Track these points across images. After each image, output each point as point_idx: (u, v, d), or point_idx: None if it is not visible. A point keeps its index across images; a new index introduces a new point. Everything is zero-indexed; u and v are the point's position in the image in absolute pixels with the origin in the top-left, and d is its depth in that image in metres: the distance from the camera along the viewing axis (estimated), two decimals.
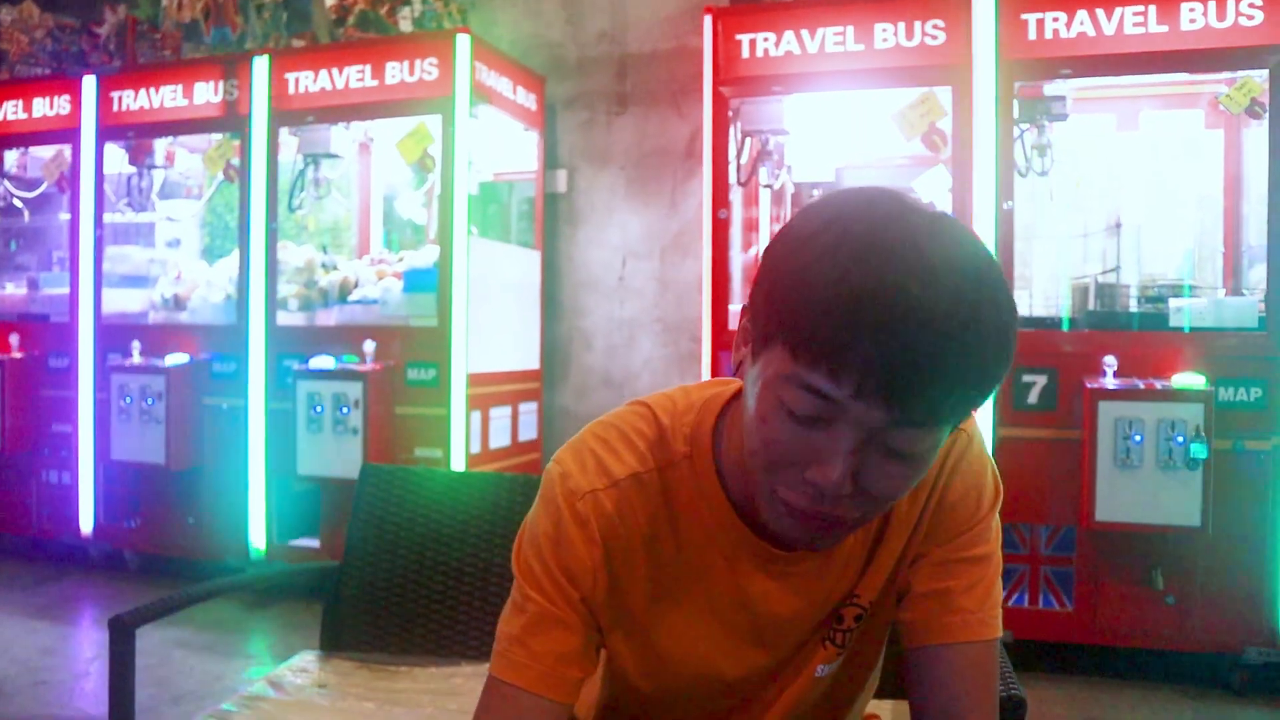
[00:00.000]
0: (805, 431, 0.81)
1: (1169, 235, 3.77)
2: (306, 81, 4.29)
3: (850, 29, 3.51)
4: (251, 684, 1.87)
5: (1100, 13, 3.27)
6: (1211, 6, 3.19)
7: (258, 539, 4.29)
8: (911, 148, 3.65)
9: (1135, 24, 3.26)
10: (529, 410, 4.70)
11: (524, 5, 5.09)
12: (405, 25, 4.57)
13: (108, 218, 4.84)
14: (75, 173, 4.77)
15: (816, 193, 4.22)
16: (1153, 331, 3.31)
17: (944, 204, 3.40)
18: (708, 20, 3.67)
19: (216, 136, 4.58)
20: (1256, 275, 3.55)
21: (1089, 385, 3.19)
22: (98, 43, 5.18)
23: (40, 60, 5.24)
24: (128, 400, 4.37)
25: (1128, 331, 3.34)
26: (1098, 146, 3.88)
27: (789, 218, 0.88)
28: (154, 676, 3.24)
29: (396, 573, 2.02)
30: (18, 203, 5.18)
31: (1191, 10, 3.21)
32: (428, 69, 4.10)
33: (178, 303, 4.70)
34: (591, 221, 4.98)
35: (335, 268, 4.54)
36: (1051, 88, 3.47)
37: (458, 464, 3.99)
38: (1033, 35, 3.34)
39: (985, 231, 3.34)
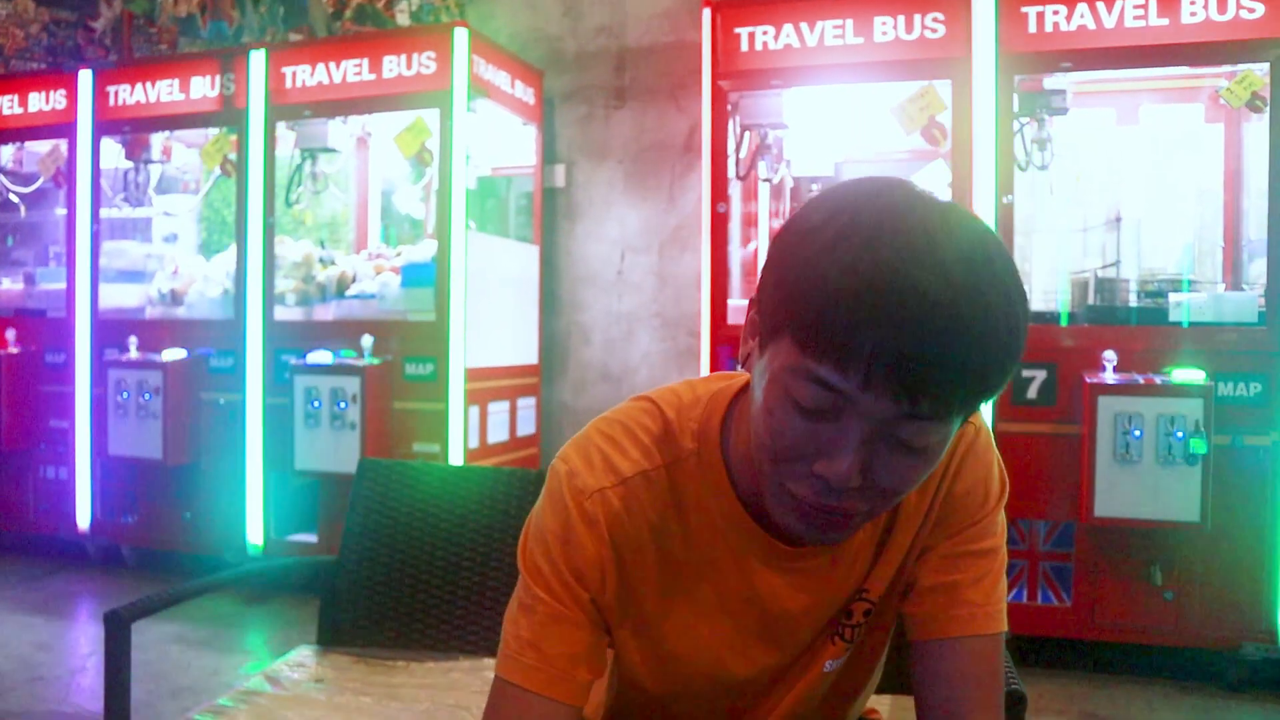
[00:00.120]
0: (813, 424, 0.80)
1: (1169, 230, 3.76)
2: (303, 75, 4.27)
3: (849, 22, 3.50)
4: (248, 679, 1.86)
5: (1100, 6, 3.26)
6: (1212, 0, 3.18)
7: (255, 534, 4.29)
8: (911, 142, 3.64)
9: (1136, 17, 3.25)
10: (527, 405, 4.69)
11: None
12: (402, 19, 4.57)
13: (104, 213, 4.82)
14: (71, 167, 4.76)
15: (816, 187, 4.22)
16: (1152, 326, 3.30)
17: (943, 198, 3.38)
18: (706, 14, 3.66)
19: (213, 131, 4.56)
20: (1256, 270, 3.55)
21: (1088, 380, 3.18)
22: (94, 37, 5.17)
23: (36, 55, 5.23)
24: (125, 395, 4.36)
25: (1127, 326, 3.34)
26: (1098, 140, 3.87)
27: (796, 209, 0.86)
28: (151, 671, 3.23)
29: (394, 567, 2.02)
30: (14, 198, 5.17)
31: (1192, 3, 3.20)
32: (425, 63, 4.08)
33: (175, 298, 4.68)
34: (590, 216, 4.97)
35: (333, 262, 4.53)
36: (1051, 81, 3.46)
37: (456, 459, 3.98)
38: (1033, 28, 3.33)
39: None
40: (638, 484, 0.96)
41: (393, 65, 4.13)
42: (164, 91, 4.55)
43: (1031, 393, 3.32)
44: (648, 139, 4.87)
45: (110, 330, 4.63)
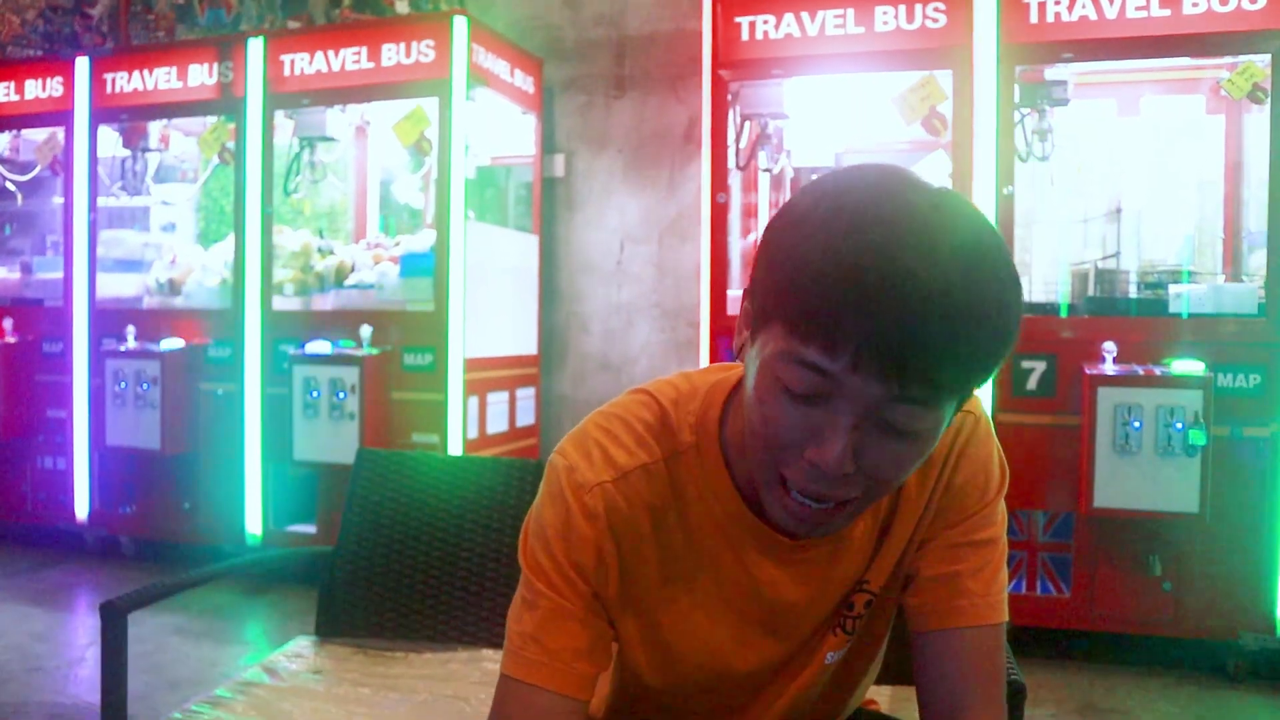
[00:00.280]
0: (804, 410, 0.80)
1: (1169, 221, 3.76)
2: (302, 63, 4.25)
3: (850, 11, 3.49)
4: (246, 670, 1.86)
5: None
6: None
7: (254, 525, 4.28)
8: (912, 132, 3.62)
9: (1137, 8, 3.24)
10: (526, 395, 4.69)
11: None
12: (401, 7, 4.55)
13: (102, 201, 4.81)
14: (69, 156, 4.73)
15: (816, 178, 4.20)
16: (1152, 317, 3.30)
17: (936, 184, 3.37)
18: (707, 2, 3.64)
19: (211, 119, 4.55)
20: (1256, 261, 3.54)
21: (1088, 371, 3.18)
22: (90, 24, 5.14)
23: (32, 41, 5.20)
24: (122, 385, 4.35)
25: (1127, 317, 3.33)
26: (1099, 131, 3.87)
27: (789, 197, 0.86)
28: (150, 663, 3.23)
29: (392, 558, 2.01)
30: (11, 186, 5.15)
31: None
32: (424, 51, 4.07)
33: (173, 287, 4.67)
34: (589, 206, 4.96)
35: (331, 252, 4.52)
36: (1053, 72, 3.45)
37: (455, 449, 3.98)
38: (1034, 18, 3.32)
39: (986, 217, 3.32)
40: (637, 478, 0.96)
41: (391, 53, 4.11)
42: (161, 79, 4.52)
43: (1031, 384, 3.31)
44: (647, 128, 4.85)
45: (108, 320, 4.62)
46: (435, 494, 2.02)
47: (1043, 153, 3.53)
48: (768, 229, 0.84)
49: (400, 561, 2.01)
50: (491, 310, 4.32)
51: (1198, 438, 3.03)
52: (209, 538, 4.39)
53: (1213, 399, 3.06)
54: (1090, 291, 3.49)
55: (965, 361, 0.77)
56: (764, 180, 4.37)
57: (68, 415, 4.69)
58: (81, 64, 4.68)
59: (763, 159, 3.86)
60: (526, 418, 4.68)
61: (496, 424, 4.36)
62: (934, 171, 3.72)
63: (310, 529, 4.23)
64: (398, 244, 4.47)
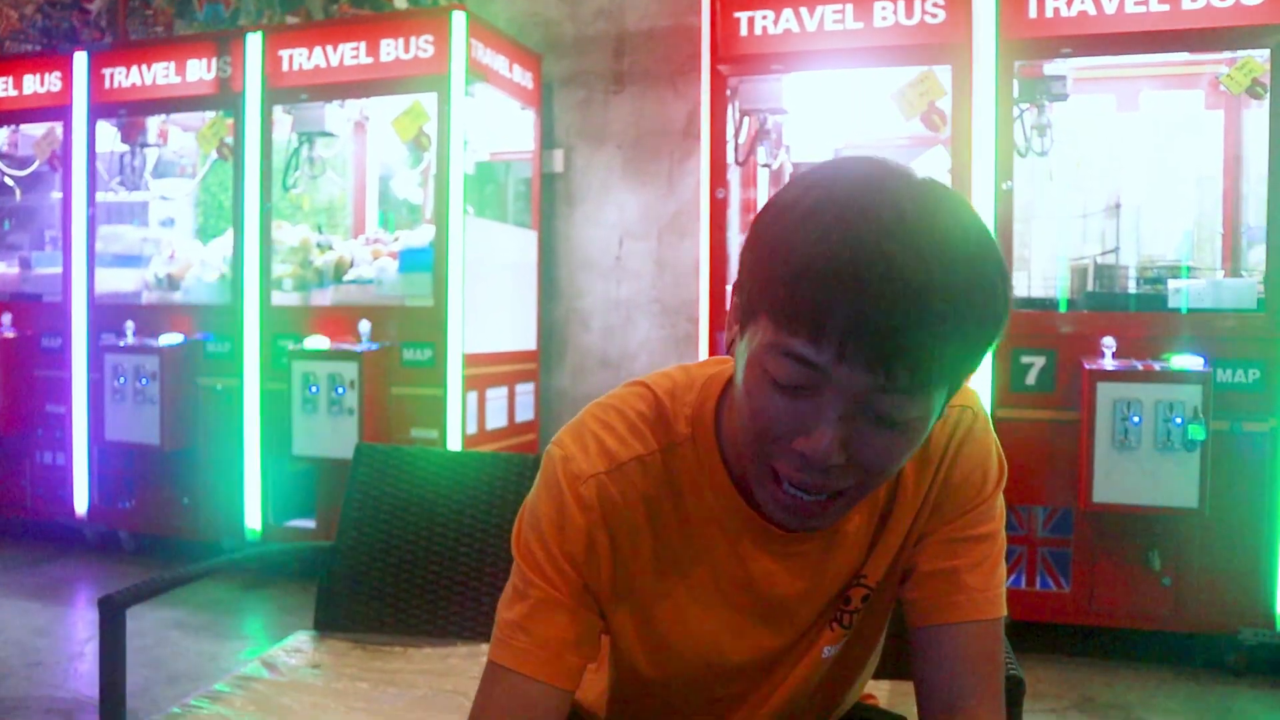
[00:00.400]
0: (792, 402, 0.80)
1: (1168, 216, 3.75)
2: (300, 59, 4.24)
3: (849, 7, 3.48)
4: (246, 664, 1.86)
5: None
6: None
7: (253, 520, 4.28)
8: (911, 127, 3.62)
9: (1136, 2, 3.23)
10: (526, 391, 4.68)
11: None
12: (400, 2, 4.54)
13: (101, 196, 4.80)
14: (67, 151, 4.73)
15: (801, 171, 4.19)
16: (1151, 313, 3.30)
17: (922, 176, 3.37)
18: None
19: (210, 114, 4.54)
20: (1255, 256, 3.54)
21: (1087, 366, 3.18)
22: (89, 19, 5.13)
23: (30, 36, 5.19)
24: (121, 380, 4.35)
25: (1126, 312, 3.33)
26: (1098, 127, 3.86)
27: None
28: (149, 657, 3.24)
29: (392, 553, 2.01)
30: (9, 181, 5.15)
31: None
32: (423, 46, 4.06)
33: (171, 282, 4.67)
34: (588, 201, 4.95)
35: (330, 247, 4.52)
36: (1052, 67, 3.44)
37: (454, 445, 3.98)
38: (1033, 14, 3.32)
39: (984, 212, 3.32)
40: (632, 469, 0.96)
41: (390, 49, 4.10)
42: (160, 74, 4.52)
43: (1030, 379, 3.31)
44: (647, 124, 4.85)
45: (106, 315, 4.61)
46: (434, 489, 2.02)
47: (1042, 148, 3.53)
48: (754, 223, 0.84)
49: (399, 557, 2.01)
50: (490, 306, 4.32)
51: (1197, 433, 3.03)
52: (208, 533, 4.39)
53: (1212, 394, 3.06)
54: (1089, 287, 3.48)
55: (951, 351, 0.77)
56: (763, 176, 4.36)
57: (67, 410, 4.68)
58: (80, 59, 4.67)
59: (762, 154, 3.86)
60: (526, 413, 4.68)
61: (495, 419, 4.36)
62: (933, 167, 3.71)
63: (309, 524, 4.23)
64: (397, 239, 4.47)
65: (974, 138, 3.37)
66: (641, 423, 0.98)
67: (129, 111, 4.64)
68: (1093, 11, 3.26)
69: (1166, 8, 3.20)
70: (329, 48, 4.20)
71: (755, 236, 0.83)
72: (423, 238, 4.22)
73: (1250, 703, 3.04)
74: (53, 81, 4.75)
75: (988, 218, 3.31)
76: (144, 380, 4.29)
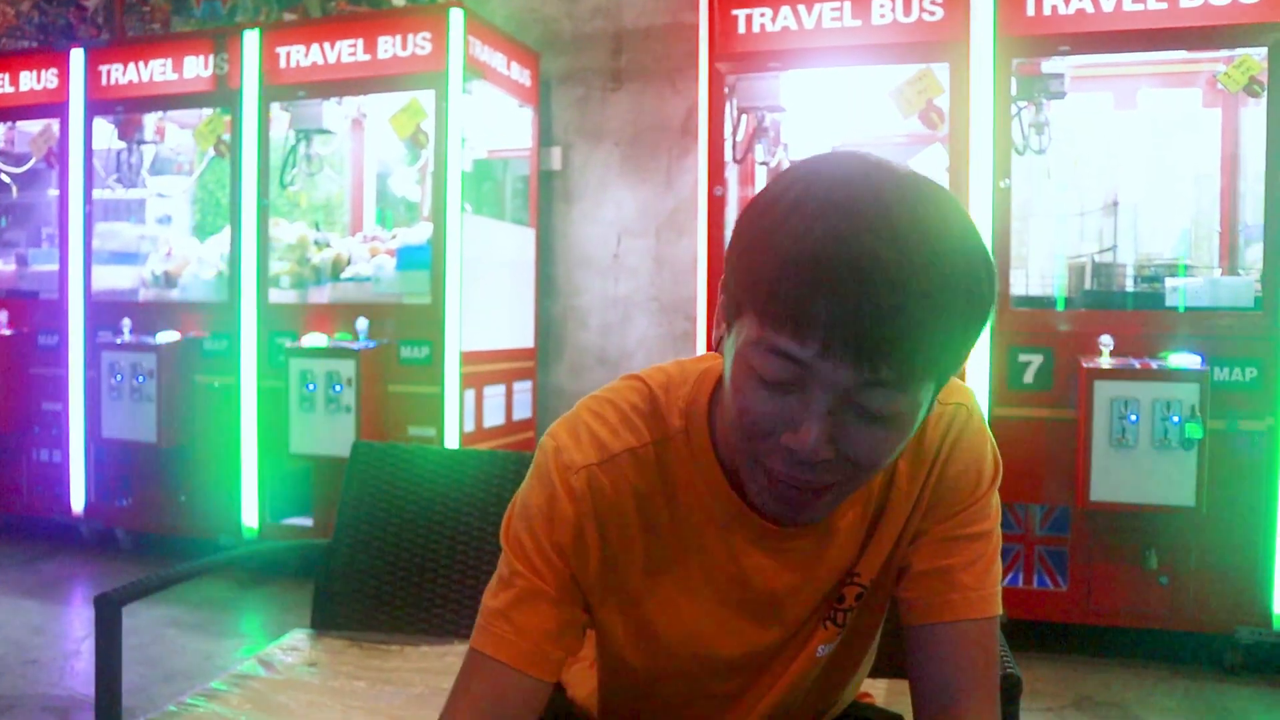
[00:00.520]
0: (778, 397, 0.80)
1: (1166, 214, 3.75)
2: (298, 55, 4.24)
3: (847, 4, 3.48)
4: (242, 662, 1.86)
5: None
6: None
7: (250, 517, 4.28)
8: (909, 125, 3.62)
9: (1134, 1, 3.23)
10: (523, 389, 4.68)
11: None
12: None
13: (97, 194, 4.79)
14: (64, 148, 4.72)
15: (785, 167, 4.19)
16: (1149, 311, 3.30)
17: (941, 182, 3.37)
18: None
19: (207, 111, 4.53)
20: (1253, 255, 3.54)
21: (1085, 365, 3.18)
22: (85, 15, 5.12)
23: (27, 33, 5.18)
24: (118, 378, 4.34)
25: (1124, 311, 3.33)
26: (1095, 125, 3.86)
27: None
28: (145, 655, 3.23)
29: (389, 551, 2.01)
30: (6, 178, 5.14)
31: None
32: (420, 43, 4.05)
33: (169, 280, 4.66)
34: (586, 199, 4.95)
35: (328, 245, 4.51)
36: (1049, 65, 3.44)
37: (451, 442, 3.97)
38: (1031, 11, 3.32)
39: (982, 210, 3.33)
40: (625, 461, 0.96)
41: (388, 46, 4.10)
42: (157, 71, 4.51)
43: (1028, 377, 3.31)
44: (644, 121, 4.84)
45: (103, 312, 4.61)
46: (431, 487, 2.01)
47: (1039, 146, 3.53)
48: (739, 219, 0.84)
49: (396, 555, 2.00)
50: (488, 303, 4.32)
51: (1194, 431, 3.03)
52: (205, 530, 4.39)
53: (1209, 392, 3.06)
54: (1087, 285, 3.48)
55: (935, 344, 0.77)
56: (761, 173, 4.36)
57: (63, 408, 4.68)
58: (76, 56, 4.66)
59: (760, 152, 3.86)
60: (523, 411, 4.68)
61: (493, 417, 4.36)
62: (931, 165, 3.71)
63: (306, 522, 4.23)
64: (394, 237, 4.47)
65: (972, 135, 3.36)
66: (635, 415, 0.98)
67: (126, 108, 4.63)
68: (1090, 9, 3.26)
69: (1164, 6, 3.20)
70: (326, 45, 4.19)
71: (740, 233, 0.83)
72: (420, 235, 4.21)
73: (1247, 701, 3.04)
74: (49, 78, 4.75)
75: (985, 215, 3.31)
76: (141, 378, 4.28)
